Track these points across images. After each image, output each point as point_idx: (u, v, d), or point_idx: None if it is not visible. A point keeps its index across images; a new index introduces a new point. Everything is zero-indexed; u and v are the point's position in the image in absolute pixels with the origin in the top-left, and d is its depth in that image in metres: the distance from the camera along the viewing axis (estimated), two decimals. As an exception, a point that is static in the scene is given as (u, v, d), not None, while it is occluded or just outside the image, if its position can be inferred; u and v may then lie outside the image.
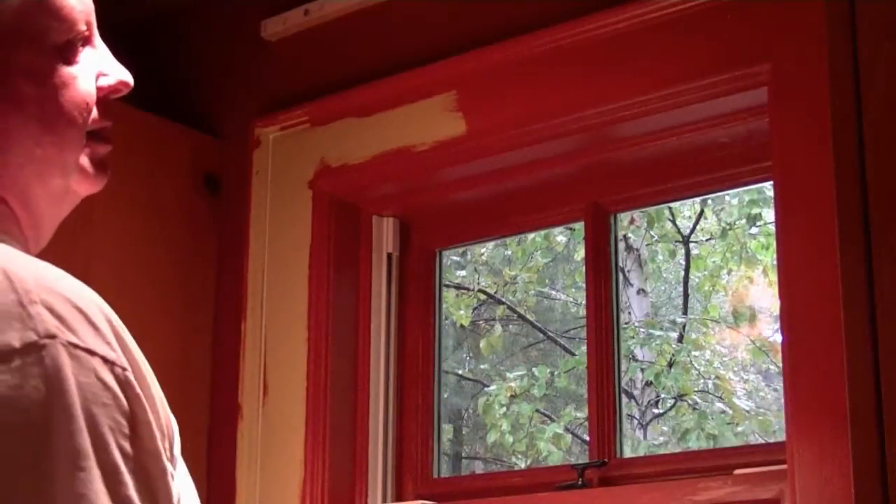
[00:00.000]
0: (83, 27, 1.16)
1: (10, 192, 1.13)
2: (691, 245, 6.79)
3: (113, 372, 0.96)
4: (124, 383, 0.96)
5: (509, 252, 6.83)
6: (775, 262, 2.26)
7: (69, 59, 1.15)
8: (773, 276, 5.87)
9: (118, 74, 1.20)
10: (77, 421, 0.93)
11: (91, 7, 1.19)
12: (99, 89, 1.18)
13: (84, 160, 1.17)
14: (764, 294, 6.57)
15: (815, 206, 1.91)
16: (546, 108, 2.25)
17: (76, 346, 0.95)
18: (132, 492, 0.94)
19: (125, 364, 0.97)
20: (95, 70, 1.18)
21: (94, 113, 1.17)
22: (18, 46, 1.13)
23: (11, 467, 0.91)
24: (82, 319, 0.97)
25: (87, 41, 1.17)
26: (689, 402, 6.56)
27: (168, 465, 0.99)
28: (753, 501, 2.02)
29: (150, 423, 0.98)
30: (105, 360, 0.96)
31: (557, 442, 6.14)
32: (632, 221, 6.46)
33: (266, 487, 2.43)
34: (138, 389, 0.98)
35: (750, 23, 2.05)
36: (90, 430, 0.93)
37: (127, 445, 0.95)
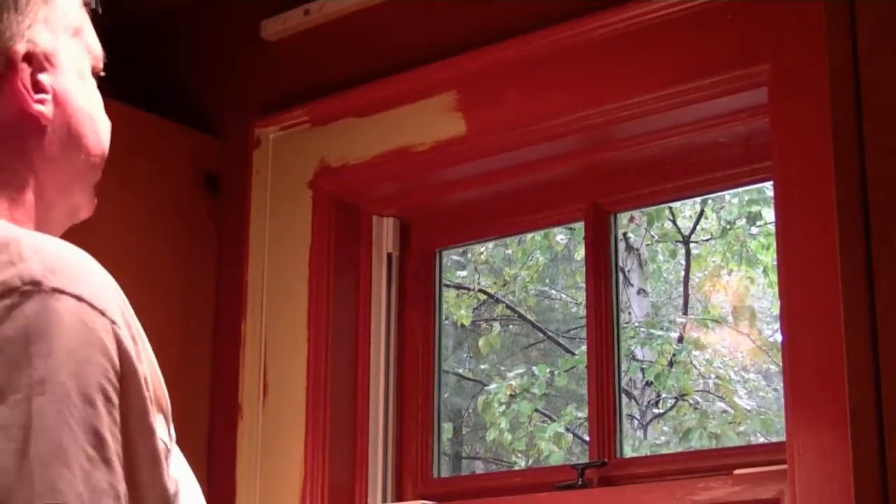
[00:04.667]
0: (100, 66, 1.22)
1: (42, 197, 1.15)
2: (691, 245, 6.78)
3: (101, 320, 0.96)
4: (112, 334, 0.96)
5: (509, 252, 6.83)
6: (775, 262, 2.26)
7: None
8: (774, 276, 5.87)
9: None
10: (57, 356, 0.93)
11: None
12: None
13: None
14: (764, 294, 6.56)
15: (815, 206, 1.90)
16: (546, 108, 2.25)
17: (62, 292, 0.95)
18: (105, 430, 0.94)
19: (116, 319, 0.97)
20: None
21: None
22: (70, 44, 1.17)
23: None
24: (73, 271, 0.97)
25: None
26: (690, 401, 6.56)
27: (154, 424, 0.98)
28: (753, 501, 2.02)
29: (140, 382, 0.97)
30: (93, 307, 0.96)
31: (558, 441, 6.14)
32: (631, 220, 6.46)
33: (266, 487, 2.43)
34: (128, 344, 0.97)
35: (750, 23, 2.05)
36: (71, 364, 0.93)
37: (110, 390, 0.95)
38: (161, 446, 0.99)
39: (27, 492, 0.89)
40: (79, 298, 0.95)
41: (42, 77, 1.14)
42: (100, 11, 1.24)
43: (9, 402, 0.91)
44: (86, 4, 1.21)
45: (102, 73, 1.22)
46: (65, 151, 1.16)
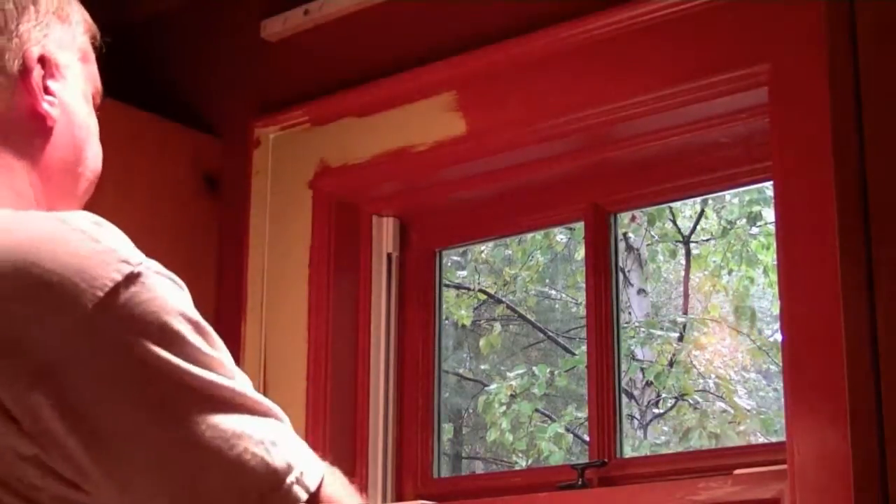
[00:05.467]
0: (99, 101, 1.26)
1: (40, 200, 1.18)
2: (691, 245, 6.78)
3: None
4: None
5: (509, 252, 6.83)
6: (775, 262, 2.26)
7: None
8: (774, 276, 5.86)
9: None
10: (185, 323, 1.01)
11: None
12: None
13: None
14: (764, 294, 6.56)
15: (815, 206, 1.90)
16: (546, 108, 2.25)
17: (158, 273, 1.03)
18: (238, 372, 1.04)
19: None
20: None
21: None
22: (78, 65, 1.23)
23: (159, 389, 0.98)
24: (144, 256, 1.04)
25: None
26: (690, 401, 6.56)
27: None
28: (753, 501, 2.02)
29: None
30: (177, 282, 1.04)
31: (558, 441, 6.14)
32: (633, 219, 6.46)
33: (266, 487, 2.43)
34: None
35: (750, 23, 2.04)
36: (197, 331, 1.01)
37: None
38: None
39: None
40: (171, 278, 1.06)
41: (51, 83, 1.18)
42: (104, 50, 1.28)
43: (215, 369, 1.00)
44: (93, 37, 1.26)
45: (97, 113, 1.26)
46: (65, 159, 1.19)
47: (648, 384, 6.49)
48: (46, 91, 1.17)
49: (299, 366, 2.45)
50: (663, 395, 6.61)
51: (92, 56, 1.25)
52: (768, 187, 2.32)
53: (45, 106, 1.16)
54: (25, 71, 1.16)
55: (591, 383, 2.29)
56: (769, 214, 5.96)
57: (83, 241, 0.99)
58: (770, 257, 6.05)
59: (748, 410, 6.50)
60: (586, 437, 2.45)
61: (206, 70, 2.76)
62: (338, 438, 2.43)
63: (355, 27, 2.53)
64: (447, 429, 6.19)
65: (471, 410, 6.87)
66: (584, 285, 2.38)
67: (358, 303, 2.52)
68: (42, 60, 1.17)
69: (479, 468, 7.00)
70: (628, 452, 3.68)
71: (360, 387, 2.47)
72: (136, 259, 1.00)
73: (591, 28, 2.20)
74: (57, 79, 1.18)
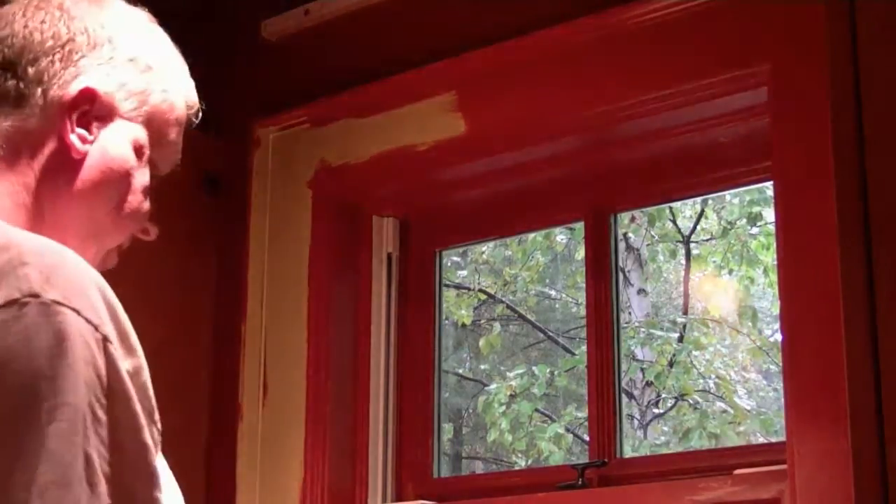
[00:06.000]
0: (165, 169, 1.30)
1: (54, 232, 1.15)
2: (691, 245, 6.79)
3: (95, 335, 0.97)
4: (103, 350, 0.97)
5: (509, 252, 6.83)
6: (775, 262, 2.26)
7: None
8: (774, 276, 5.87)
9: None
10: (63, 377, 0.94)
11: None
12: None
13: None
14: (764, 294, 6.57)
15: (815, 206, 1.90)
16: (546, 108, 2.25)
17: (60, 304, 0.96)
18: (92, 450, 0.94)
19: (108, 334, 0.98)
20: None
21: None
22: (138, 118, 1.23)
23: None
24: (70, 283, 0.98)
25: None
26: (690, 401, 6.56)
27: (150, 442, 0.98)
28: (753, 501, 2.02)
29: (129, 398, 0.97)
30: (89, 322, 0.96)
31: (558, 441, 6.14)
32: (633, 220, 6.46)
33: (266, 487, 2.43)
34: (118, 360, 0.98)
35: (750, 23, 2.05)
36: (77, 385, 0.94)
37: (97, 407, 0.95)
38: (156, 465, 0.99)
39: None
40: (77, 312, 0.96)
41: (94, 121, 1.18)
42: (194, 123, 1.35)
43: (20, 426, 0.92)
44: (189, 106, 1.26)
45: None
46: (83, 196, 1.19)
47: (648, 384, 6.50)
48: (86, 127, 1.17)
49: (299, 366, 2.45)
50: (663, 396, 6.62)
51: (169, 120, 1.29)
52: (768, 187, 2.32)
53: (73, 138, 1.17)
54: (66, 99, 1.16)
55: (591, 383, 2.29)
56: (769, 214, 5.96)
57: (12, 256, 0.98)
58: (770, 257, 6.06)
59: (748, 410, 6.50)
60: (586, 437, 2.45)
61: (206, 70, 2.76)
62: (338, 438, 2.43)
63: (355, 27, 2.53)
64: (447, 429, 6.19)
65: (471, 410, 6.88)
66: (584, 285, 2.38)
67: (358, 303, 2.52)
68: (90, 95, 1.17)
69: (479, 468, 7.00)
70: (628, 452, 3.68)
71: (360, 386, 2.47)
72: (35, 291, 0.96)
73: (590, 28, 2.20)
74: (102, 118, 1.19)
